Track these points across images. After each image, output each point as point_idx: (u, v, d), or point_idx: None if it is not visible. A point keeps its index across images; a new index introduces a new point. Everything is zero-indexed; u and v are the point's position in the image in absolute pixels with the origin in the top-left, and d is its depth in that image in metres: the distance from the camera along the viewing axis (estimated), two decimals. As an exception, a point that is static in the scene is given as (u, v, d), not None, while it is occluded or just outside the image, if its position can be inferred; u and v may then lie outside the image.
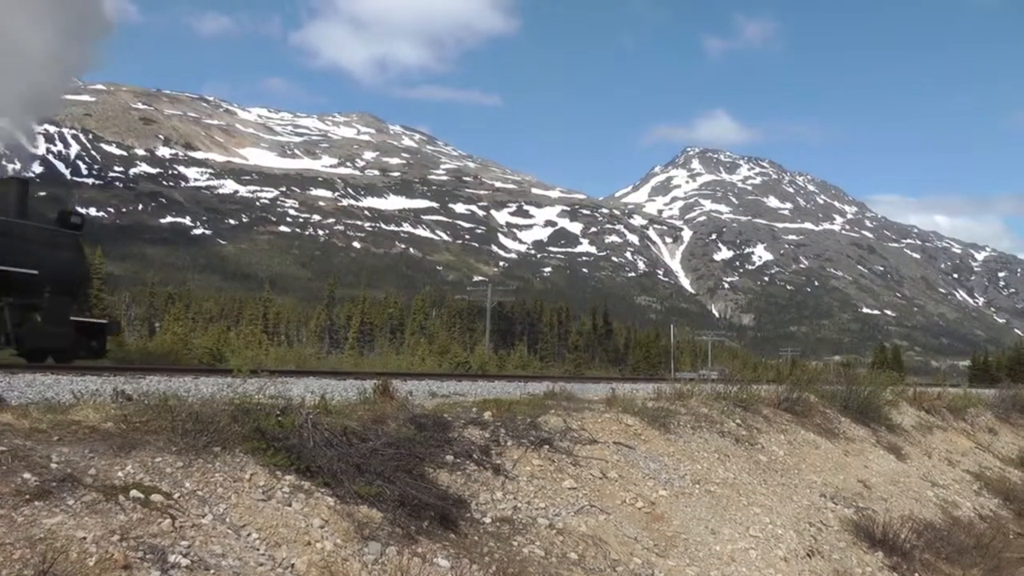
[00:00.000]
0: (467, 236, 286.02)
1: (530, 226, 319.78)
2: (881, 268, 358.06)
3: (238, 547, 4.48)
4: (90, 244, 49.78)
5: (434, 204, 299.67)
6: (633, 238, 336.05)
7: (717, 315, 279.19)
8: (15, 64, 15.68)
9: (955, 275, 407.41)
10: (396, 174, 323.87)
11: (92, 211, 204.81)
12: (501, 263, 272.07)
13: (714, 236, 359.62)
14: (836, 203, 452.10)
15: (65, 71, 18.66)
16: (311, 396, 7.17)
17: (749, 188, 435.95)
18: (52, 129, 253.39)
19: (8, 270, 12.27)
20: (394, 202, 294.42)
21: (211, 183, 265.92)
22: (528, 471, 7.09)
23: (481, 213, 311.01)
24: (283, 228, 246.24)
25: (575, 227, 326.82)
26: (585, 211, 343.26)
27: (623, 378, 30.48)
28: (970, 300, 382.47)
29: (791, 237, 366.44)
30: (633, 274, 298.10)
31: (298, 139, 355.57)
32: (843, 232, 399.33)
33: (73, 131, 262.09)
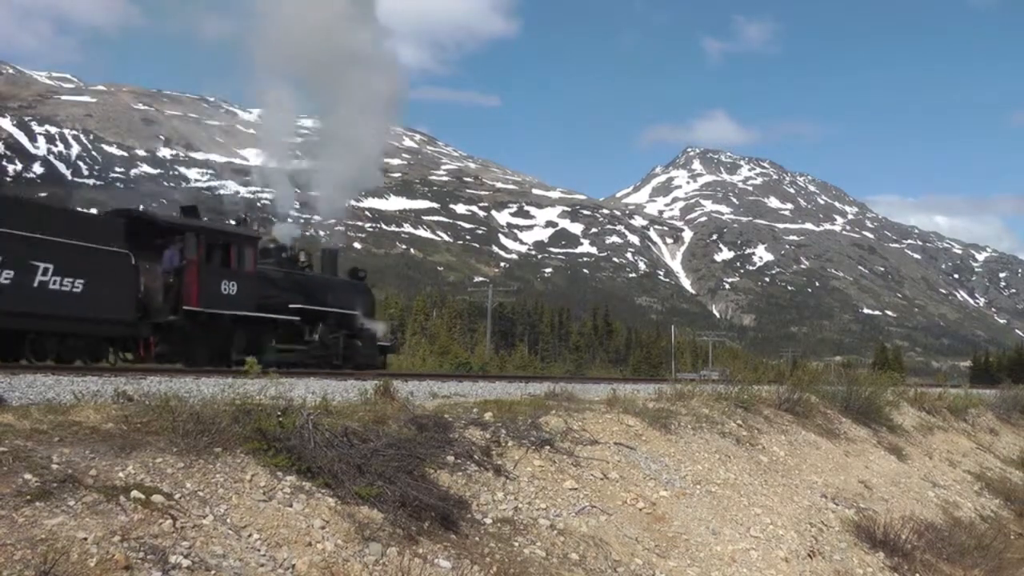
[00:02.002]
0: (468, 237, 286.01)
1: (531, 227, 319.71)
2: (882, 268, 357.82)
3: (239, 548, 4.49)
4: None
5: (435, 205, 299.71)
6: (634, 239, 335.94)
7: (718, 315, 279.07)
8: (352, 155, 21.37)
9: (956, 276, 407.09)
10: (397, 175, 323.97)
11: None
12: (502, 264, 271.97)
13: (715, 237, 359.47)
14: (837, 204, 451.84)
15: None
16: (312, 397, 7.17)
17: (750, 189, 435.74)
18: (53, 130, 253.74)
19: (343, 312, 18.72)
20: (395, 203, 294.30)
21: (212, 183, 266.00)
22: (529, 472, 7.09)
23: (482, 214, 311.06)
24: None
25: (576, 228, 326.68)
26: (586, 212, 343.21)
27: (624, 379, 30.48)
28: (971, 301, 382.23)
29: (792, 238, 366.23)
30: (634, 275, 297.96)
31: (299, 140, 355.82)
32: (844, 233, 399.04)
33: (74, 132, 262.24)
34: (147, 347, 14.30)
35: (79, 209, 16.32)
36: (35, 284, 12.19)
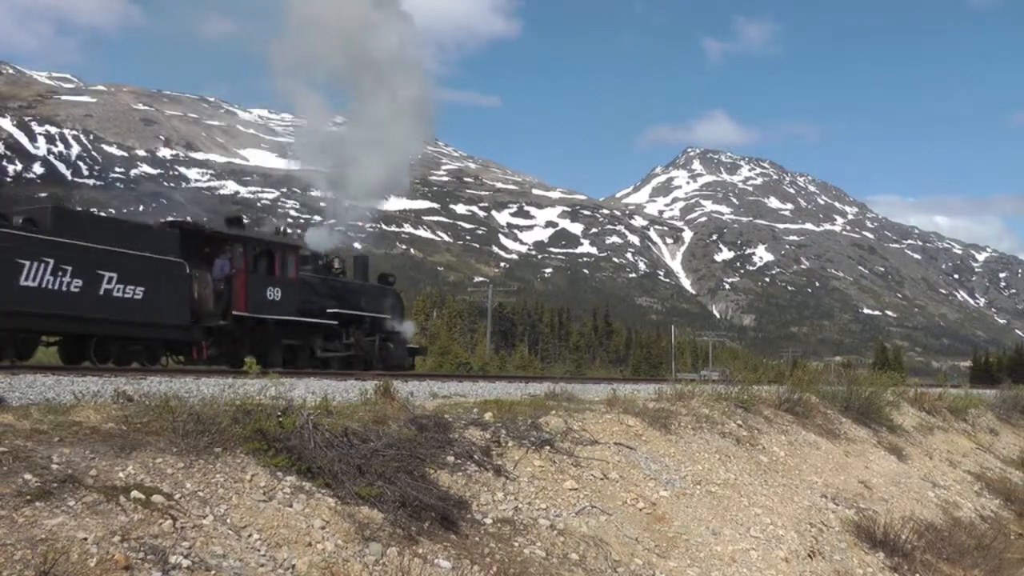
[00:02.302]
0: (468, 237, 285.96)
1: (531, 227, 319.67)
2: (882, 269, 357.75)
3: (239, 548, 4.49)
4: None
5: (435, 205, 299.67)
6: (634, 239, 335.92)
7: (718, 316, 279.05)
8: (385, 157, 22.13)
9: (956, 276, 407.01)
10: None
11: (93, 212, 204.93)
12: (502, 264, 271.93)
13: (715, 237, 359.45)
14: (837, 204, 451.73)
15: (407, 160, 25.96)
16: (312, 397, 7.18)
17: (750, 189, 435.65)
18: (53, 130, 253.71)
19: (376, 316, 19.58)
20: (395, 203, 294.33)
21: (212, 184, 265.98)
22: (529, 472, 7.09)
23: (482, 214, 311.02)
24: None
25: (576, 228, 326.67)
26: (586, 212, 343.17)
27: (624, 379, 30.49)
28: (971, 301, 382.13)
29: (792, 238, 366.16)
30: (634, 275, 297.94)
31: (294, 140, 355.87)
32: (844, 233, 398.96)
33: (74, 132, 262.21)
34: (199, 350, 15.21)
35: (139, 221, 17.45)
36: (101, 292, 13.15)
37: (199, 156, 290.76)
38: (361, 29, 23.39)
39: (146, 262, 13.99)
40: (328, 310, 18.14)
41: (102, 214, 17.79)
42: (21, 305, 12.11)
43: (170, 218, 18.13)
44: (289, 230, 21.06)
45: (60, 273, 12.51)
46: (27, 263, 12.12)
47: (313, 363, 17.17)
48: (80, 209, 17.27)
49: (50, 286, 12.41)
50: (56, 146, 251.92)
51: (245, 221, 19.52)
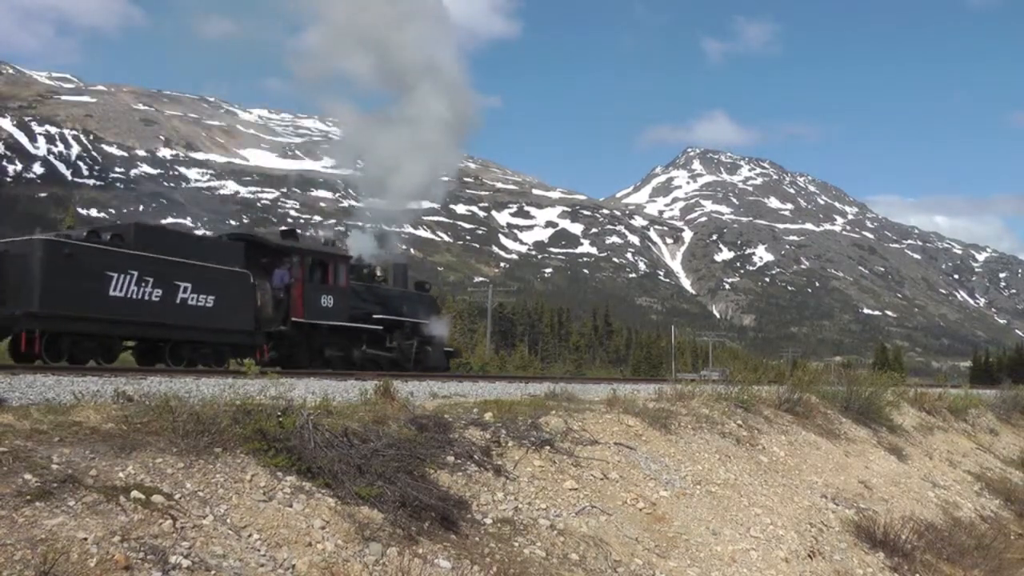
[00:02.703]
0: (468, 237, 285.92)
1: (531, 227, 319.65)
2: (882, 269, 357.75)
3: (239, 548, 4.49)
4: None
5: (435, 205, 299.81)
6: (634, 239, 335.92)
7: (718, 316, 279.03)
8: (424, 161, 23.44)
9: (956, 276, 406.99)
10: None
11: (93, 212, 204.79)
12: (502, 264, 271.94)
13: (715, 237, 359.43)
14: (837, 204, 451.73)
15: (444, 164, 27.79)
16: (312, 397, 7.18)
17: (750, 189, 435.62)
18: (53, 130, 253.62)
19: (416, 321, 20.48)
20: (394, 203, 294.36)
21: (212, 184, 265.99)
22: (529, 472, 7.09)
23: (482, 214, 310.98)
24: (284, 229, 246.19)
25: (576, 228, 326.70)
26: (586, 212, 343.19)
27: (624, 379, 30.50)
28: (971, 301, 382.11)
29: (792, 238, 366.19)
30: (634, 275, 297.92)
31: (299, 140, 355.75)
32: (844, 233, 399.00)
33: (74, 132, 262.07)
34: (261, 353, 16.19)
35: (209, 234, 18.96)
36: (178, 300, 14.50)
37: (199, 156, 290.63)
38: (407, 37, 25.10)
39: (216, 273, 15.31)
40: (374, 316, 19.25)
41: (178, 229, 18.81)
42: (110, 313, 13.44)
43: (234, 231, 19.58)
44: (337, 239, 21.88)
45: (143, 284, 13.87)
46: (115, 275, 13.46)
47: (361, 365, 18.18)
48: (159, 225, 19.88)
49: (134, 296, 13.77)
50: (56, 146, 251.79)
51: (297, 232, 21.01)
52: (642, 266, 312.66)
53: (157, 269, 14.11)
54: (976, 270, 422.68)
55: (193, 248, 15.35)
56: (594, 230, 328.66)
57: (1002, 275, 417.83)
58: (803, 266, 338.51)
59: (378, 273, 21.53)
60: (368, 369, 17.20)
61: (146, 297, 13.92)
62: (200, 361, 15.05)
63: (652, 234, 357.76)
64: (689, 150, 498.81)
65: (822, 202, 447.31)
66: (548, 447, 7.59)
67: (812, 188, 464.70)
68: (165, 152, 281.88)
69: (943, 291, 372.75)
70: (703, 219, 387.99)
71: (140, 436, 5.10)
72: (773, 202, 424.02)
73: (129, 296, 13.66)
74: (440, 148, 24.06)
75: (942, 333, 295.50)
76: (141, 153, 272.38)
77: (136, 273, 13.73)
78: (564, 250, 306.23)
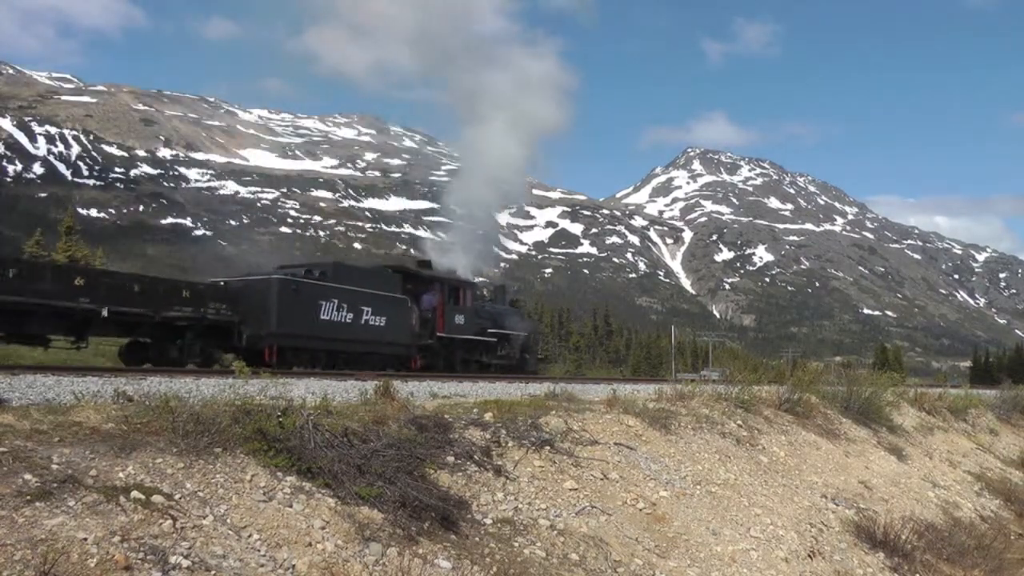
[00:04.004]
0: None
1: (531, 227, 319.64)
2: (882, 269, 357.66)
3: (239, 548, 4.49)
4: (91, 245, 49.88)
5: (435, 205, 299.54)
6: (634, 239, 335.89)
7: (718, 316, 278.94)
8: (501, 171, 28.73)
9: (956, 276, 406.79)
10: (397, 175, 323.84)
11: (93, 212, 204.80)
12: (502, 264, 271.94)
13: (715, 237, 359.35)
14: (837, 204, 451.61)
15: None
16: (312, 397, 7.18)
17: (750, 189, 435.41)
18: (53, 130, 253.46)
19: (517, 333, 24.38)
20: (395, 203, 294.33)
21: (212, 184, 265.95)
22: (529, 472, 7.09)
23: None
24: (284, 229, 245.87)
25: (576, 228, 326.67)
26: (586, 212, 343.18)
27: (624, 379, 30.52)
28: (971, 301, 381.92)
29: (792, 238, 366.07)
30: (634, 275, 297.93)
31: (299, 140, 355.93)
32: (844, 233, 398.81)
33: (74, 132, 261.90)
34: (414, 362, 20.01)
35: (378, 267, 23.10)
36: (362, 321, 18.37)
37: (199, 156, 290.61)
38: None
39: (386, 299, 19.22)
40: (489, 330, 23.05)
41: (359, 265, 23.94)
42: (321, 332, 17.35)
43: (390, 263, 24.02)
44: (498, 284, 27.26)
45: (341, 309, 17.79)
46: (324, 303, 17.41)
47: (481, 370, 21.88)
48: (350, 263, 23.92)
49: (335, 319, 17.64)
50: (56, 146, 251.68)
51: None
52: (642, 266, 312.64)
53: (350, 298, 17.99)
54: (976, 270, 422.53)
55: (370, 279, 19.39)
56: (594, 230, 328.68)
57: (1002, 275, 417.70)
58: (803, 266, 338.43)
59: (485, 294, 25.80)
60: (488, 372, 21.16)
61: (343, 319, 17.82)
62: (373, 368, 17.60)
63: (652, 234, 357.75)
64: (689, 150, 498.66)
65: (822, 202, 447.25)
66: (548, 447, 7.59)
67: (812, 188, 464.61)
68: (165, 152, 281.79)
69: (943, 291, 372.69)
70: (703, 219, 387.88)
71: (140, 436, 5.10)
72: (773, 202, 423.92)
73: (332, 319, 17.55)
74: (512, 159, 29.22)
75: (942, 333, 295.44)
76: (141, 153, 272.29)
77: (336, 301, 17.64)
78: (564, 250, 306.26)
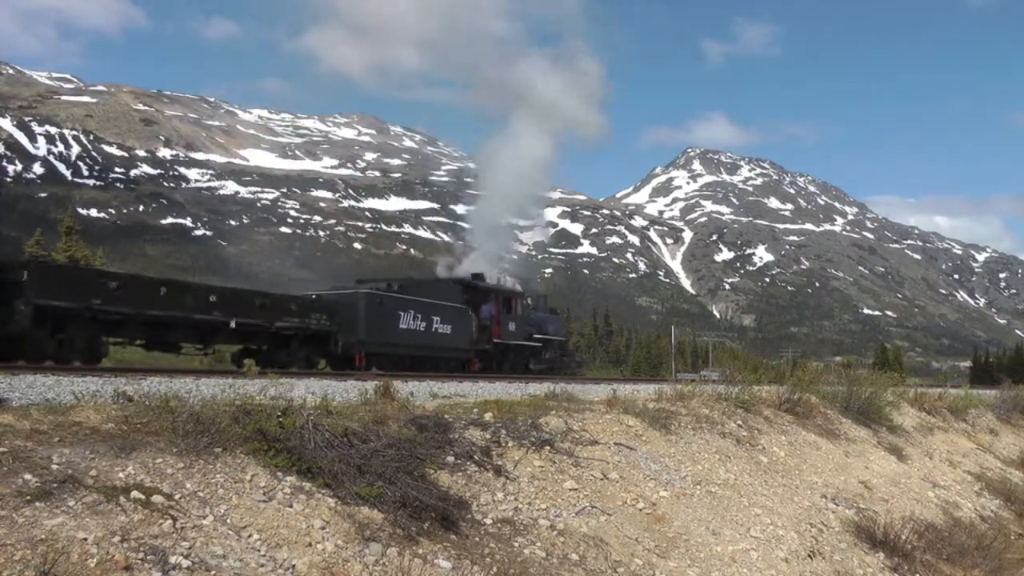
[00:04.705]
0: (468, 237, 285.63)
1: (531, 227, 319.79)
2: (882, 269, 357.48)
3: (239, 548, 4.49)
4: (91, 245, 49.85)
5: (435, 205, 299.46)
6: (634, 239, 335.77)
7: (718, 316, 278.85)
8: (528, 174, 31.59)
9: (956, 276, 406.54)
10: (397, 175, 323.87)
11: (93, 212, 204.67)
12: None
13: (715, 237, 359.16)
14: (837, 204, 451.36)
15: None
16: (312, 397, 7.18)
17: (750, 189, 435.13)
18: (53, 130, 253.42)
19: (557, 338, 26.78)
20: (395, 203, 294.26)
21: (212, 184, 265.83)
22: (529, 472, 7.09)
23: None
24: (284, 229, 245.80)
25: (576, 228, 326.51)
26: (586, 212, 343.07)
27: (624, 379, 30.58)
28: (971, 301, 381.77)
29: (792, 238, 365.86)
30: (634, 275, 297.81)
31: (299, 140, 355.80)
32: (844, 233, 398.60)
33: (74, 132, 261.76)
34: (471, 364, 22.07)
35: (442, 279, 25.52)
36: (433, 329, 20.61)
37: (199, 156, 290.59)
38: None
39: (451, 309, 21.44)
40: (534, 335, 25.21)
41: (427, 278, 26.82)
42: (401, 340, 19.68)
43: (450, 276, 26.29)
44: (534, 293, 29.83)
45: (416, 319, 19.97)
46: (402, 314, 19.66)
47: (528, 371, 23.65)
48: (421, 278, 28.14)
49: (411, 327, 19.86)
50: (56, 146, 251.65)
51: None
52: (642, 266, 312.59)
53: (423, 309, 20.20)
54: (976, 270, 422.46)
55: (437, 291, 21.81)
56: (594, 230, 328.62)
57: (1002, 275, 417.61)
58: (803, 266, 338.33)
59: (528, 303, 27.33)
60: (533, 373, 22.85)
61: (418, 328, 19.97)
62: (439, 369, 19.77)
63: (652, 234, 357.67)
64: (689, 150, 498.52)
65: (822, 202, 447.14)
66: (548, 447, 7.59)
67: (812, 188, 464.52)
68: (165, 152, 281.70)
69: (943, 291, 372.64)
70: (703, 219, 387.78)
71: (140, 436, 5.10)
72: (773, 202, 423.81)
73: (409, 327, 19.75)
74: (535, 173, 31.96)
75: (942, 333, 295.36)
76: (141, 153, 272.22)
77: (412, 311, 19.84)
78: (564, 250, 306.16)
